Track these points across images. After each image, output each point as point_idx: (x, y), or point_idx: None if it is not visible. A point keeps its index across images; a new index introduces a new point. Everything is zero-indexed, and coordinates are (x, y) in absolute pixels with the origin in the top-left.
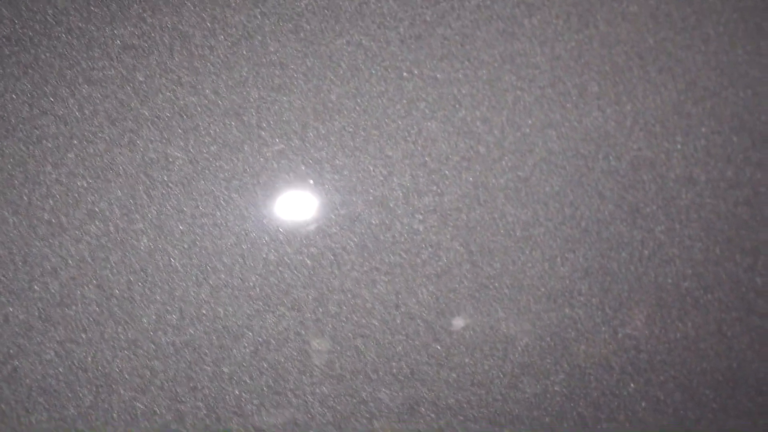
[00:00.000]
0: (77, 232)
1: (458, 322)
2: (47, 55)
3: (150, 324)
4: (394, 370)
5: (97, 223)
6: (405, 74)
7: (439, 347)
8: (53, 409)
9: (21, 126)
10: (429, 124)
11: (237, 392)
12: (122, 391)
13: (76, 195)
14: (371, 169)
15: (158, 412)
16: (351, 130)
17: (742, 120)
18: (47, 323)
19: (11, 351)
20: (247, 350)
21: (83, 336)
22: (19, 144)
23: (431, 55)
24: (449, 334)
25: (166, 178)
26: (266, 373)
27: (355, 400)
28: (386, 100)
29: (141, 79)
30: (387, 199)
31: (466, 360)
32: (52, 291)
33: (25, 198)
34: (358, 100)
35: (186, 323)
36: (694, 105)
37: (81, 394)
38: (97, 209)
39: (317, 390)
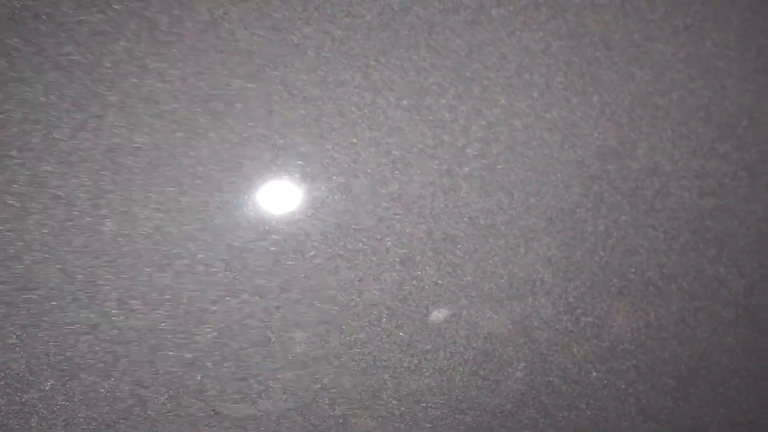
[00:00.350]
0: (41, 216)
1: (422, 310)
2: (14, 39)
3: (113, 308)
4: (357, 357)
5: (62, 207)
6: (372, 62)
7: (401, 334)
8: (15, 393)
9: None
10: (394, 112)
11: (199, 377)
12: (84, 375)
13: (41, 179)
14: (336, 156)
15: (120, 396)
16: (316, 117)
17: (708, 111)
18: (10, 307)
19: None
20: (210, 336)
21: (46, 320)
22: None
23: (398, 44)
24: (412, 321)
25: (131, 164)
26: (229, 358)
27: (317, 386)
28: (352, 88)
29: (107, 65)
30: (351, 186)
31: (428, 347)
32: (16, 275)
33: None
34: (324, 88)
35: (149, 308)
36: (660, 96)
37: (43, 378)
38: (61, 194)
39: (279, 376)
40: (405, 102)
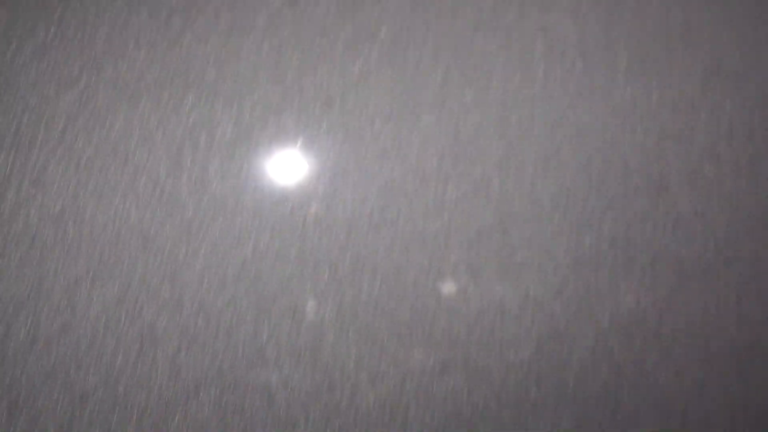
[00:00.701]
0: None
1: (490, 288)
2: (98, 26)
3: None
4: (425, 332)
5: (145, 180)
6: (441, 44)
7: (469, 310)
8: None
9: (73, 86)
10: (463, 94)
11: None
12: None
13: (125, 155)
14: (407, 136)
15: None
16: (388, 98)
17: (766, 97)
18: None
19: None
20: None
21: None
22: (72, 102)
23: (465, 27)
24: (480, 298)
25: (209, 141)
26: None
27: (387, 361)
28: (422, 69)
29: (187, 43)
30: (422, 167)
31: (496, 323)
32: (100, 251)
33: (75, 156)
34: (395, 69)
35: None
36: (719, 81)
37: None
38: (144, 167)
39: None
40: (473, 84)
